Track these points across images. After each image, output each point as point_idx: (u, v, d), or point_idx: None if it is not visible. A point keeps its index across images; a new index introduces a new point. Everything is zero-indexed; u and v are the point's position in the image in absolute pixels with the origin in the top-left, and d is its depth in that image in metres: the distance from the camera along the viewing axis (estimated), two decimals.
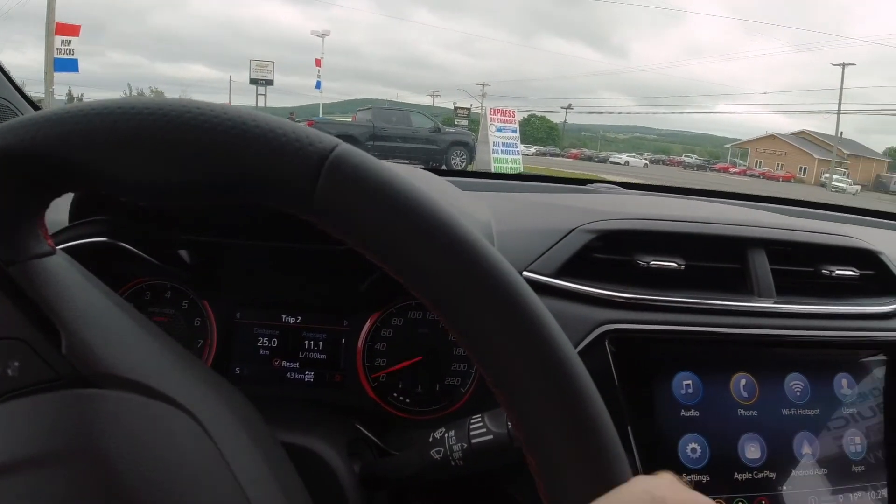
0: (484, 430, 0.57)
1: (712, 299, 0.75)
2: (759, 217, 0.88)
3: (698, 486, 0.69)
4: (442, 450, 0.58)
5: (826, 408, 0.74)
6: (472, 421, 0.59)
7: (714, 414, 0.72)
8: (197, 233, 0.73)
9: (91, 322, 0.36)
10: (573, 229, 0.76)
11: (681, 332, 0.72)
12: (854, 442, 0.74)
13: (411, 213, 0.32)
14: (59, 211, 0.65)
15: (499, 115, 14.61)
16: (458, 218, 0.34)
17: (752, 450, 0.71)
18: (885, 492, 0.74)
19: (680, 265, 0.75)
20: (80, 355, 0.35)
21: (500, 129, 14.27)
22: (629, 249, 0.77)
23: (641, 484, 0.29)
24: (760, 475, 0.71)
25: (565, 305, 0.71)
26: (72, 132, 0.31)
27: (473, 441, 0.57)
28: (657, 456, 0.69)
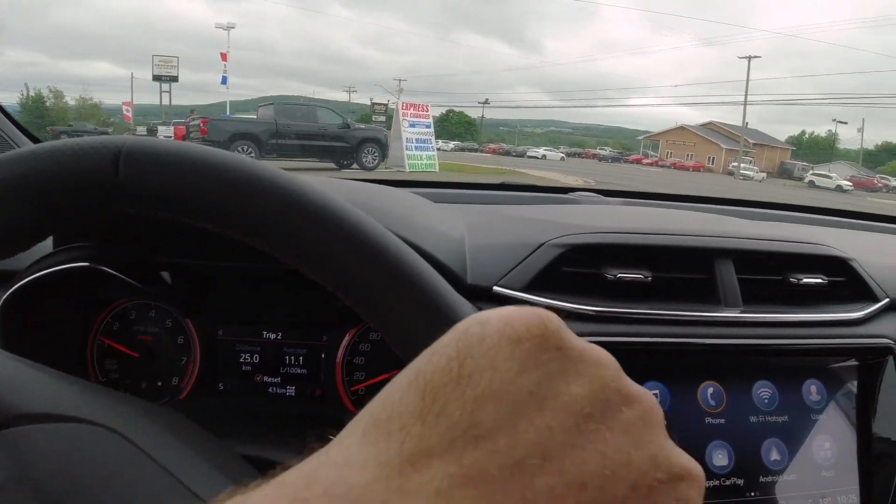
0: None
1: (679, 310, 0.76)
2: (727, 226, 0.89)
3: None
4: None
5: (795, 414, 0.75)
6: None
7: (681, 422, 0.73)
8: (177, 256, 0.76)
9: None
10: (542, 244, 0.77)
11: (647, 343, 0.73)
12: (824, 448, 0.75)
13: (211, 169, 0.39)
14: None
15: (411, 109, 14.42)
16: (251, 161, 0.41)
17: (719, 457, 0.72)
18: (855, 497, 0.75)
19: (647, 277, 0.76)
20: None
21: (412, 125, 14.11)
22: (598, 262, 0.78)
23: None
24: (728, 482, 0.72)
25: None
26: None
27: None
28: None
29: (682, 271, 0.80)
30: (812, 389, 0.77)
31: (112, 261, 0.72)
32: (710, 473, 0.71)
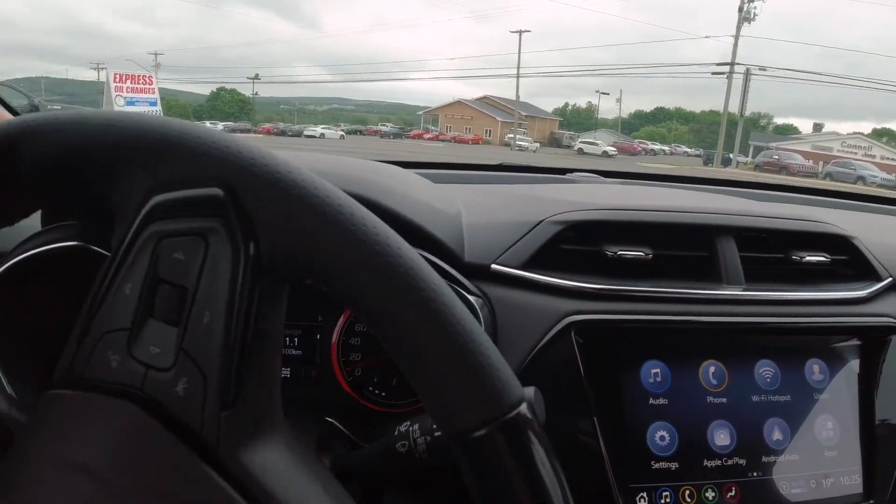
0: None
1: (680, 288, 0.75)
2: (728, 204, 0.88)
3: (667, 474, 0.70)
4: (406, 443, 0.58)
5: (797, 394, 0.75)
6: None
7: (683, 401, 0.72)
8: None
9: None
10: (540, 221, 0.76)
11: (648, 321, 0.73)
12: (826, 427, 0.76)
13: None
14: (31, 217, 0.60)
15: (128, 83, 11.88)
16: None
17: (721, 436, 0.72)
18: (858, 477, 0.76)
19: (648, 255, 0.76)
20: None
21: (131, 103, 11.63)
22: (597, 240, 0.77)
23: None
24: (730, 462, 0.72)
25: (533, 297, 0.73)
26: None
27: (437, 433, 0.57)
28: (625, 444, 0.70)
29: (684, 249, 0.80)
30: (815, 369, 0.77)
31: (104, 240, 0.67)
32: (711, 453, 0.71)
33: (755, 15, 28.25)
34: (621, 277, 0.75)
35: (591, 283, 0.73)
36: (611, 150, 31.32)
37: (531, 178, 1.22)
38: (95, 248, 0.68)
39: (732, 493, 0.71)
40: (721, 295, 0.76)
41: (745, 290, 0.77)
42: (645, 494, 0.70)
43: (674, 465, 0.71)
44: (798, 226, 0.85)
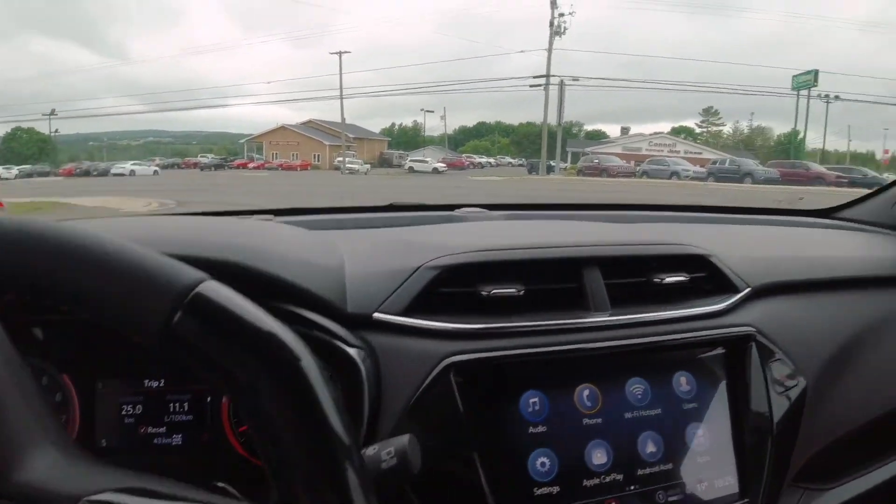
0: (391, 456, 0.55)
1: (551, 320, 0.80)
2: (594, 235, 0.94)
3: (548, 499, 0.74)
4: None
5: (667, 406, 0.80)
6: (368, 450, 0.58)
7: (560, 426, 0.76)
8: (46, 312, 0.73)
9: None
10: (418, 267, 0.79)
11: (522, 354, 0.77)
12: (697, 435, 0.81)
13: None
14: None
15: None
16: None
17: (598, 455, 0.76)
18: (732, 478, 0.81)
19: (519, 291, 0.80)
20: None
21: None
22: (472, 281, 0.81)
23: None
24: (608, 479, 0.76)
25: (414, 342, 0.75)
26: None
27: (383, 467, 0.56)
28: (506, 475, 0.73)
29: (553, 282, 0.84)
30: (682, 381, 0.82)
31: None
32: (590, 472, 0.75)
33: (565, 29, 30.00)
34: (496, 315, 0.79)
35: (467, 323, 0.77)
36: (440, 166, 31.68)
37: (421, 218, 1.24)
38: None
39: None
40: (589, 322, 0.81)
41: (611, 315, 0.82)
42: None
43: (555, 490, 0.74)
44: (658, 250, 0.91)
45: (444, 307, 0.78)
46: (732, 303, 0.90)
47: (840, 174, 21.29)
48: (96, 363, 0.78)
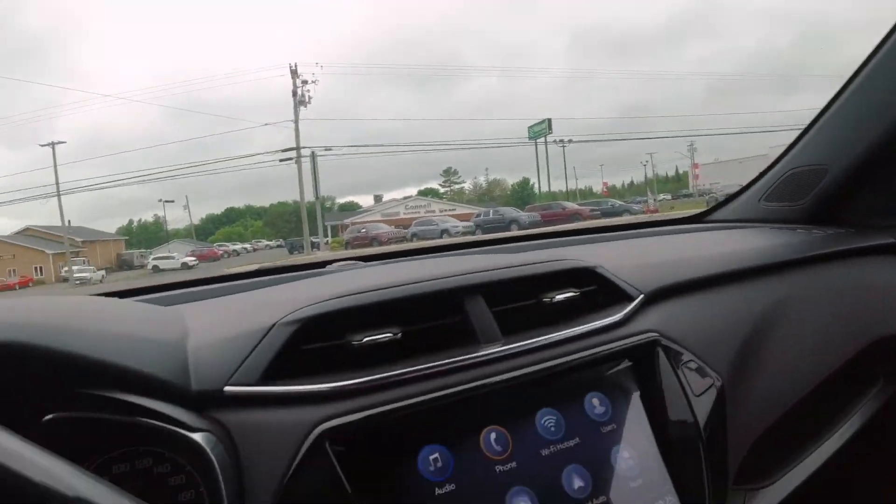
0: None
1: (436, 360, 0.70)
2: (475, 263, 0.86)
3: None
4: None
5: (585, 434, 0.72)
6: None
7: (471, 482, 0.65)
8: None
9: None
10: (272, 326, 0.69)
11: (409, 406, 0.66)
12: (624, 457, 0.72)
13: None
14: None
15: None
16: None
17: None
18: (672, 496, 0.73)
19: (396, 334, 0.71)
20: None
21: None
22: (340, 332, 0.71)
23: None
24: None
25: (277, 413, 0.63)
26: None
27: None
28: None
29: (433, 319, 0.76)
30: (595, 402, 0.74)
31: None
32: None
33: (310, 98, 30.20)
34: (373, 366, 0.68)
35: (338, 381, 0.66)
36: (190, 259, 30.17)
37: (289, 278, 1.12)
38: None
39: None
40: (479, 356, 0.72)
41: (503, 345, 0.74)
42: None
43: None
44: (542, 268, 0.84)
45: (311, 367, 0.67)
46: (629, 312, 0.84)
47: (592, 207, 23.73)
48: None
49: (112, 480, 0.57)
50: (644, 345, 0.81)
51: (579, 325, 0.79)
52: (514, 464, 0.67)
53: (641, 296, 0.88)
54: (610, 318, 0.82)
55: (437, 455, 0.65)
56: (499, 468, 0.66)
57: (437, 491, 0.63)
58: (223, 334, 0.70)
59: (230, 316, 0.79)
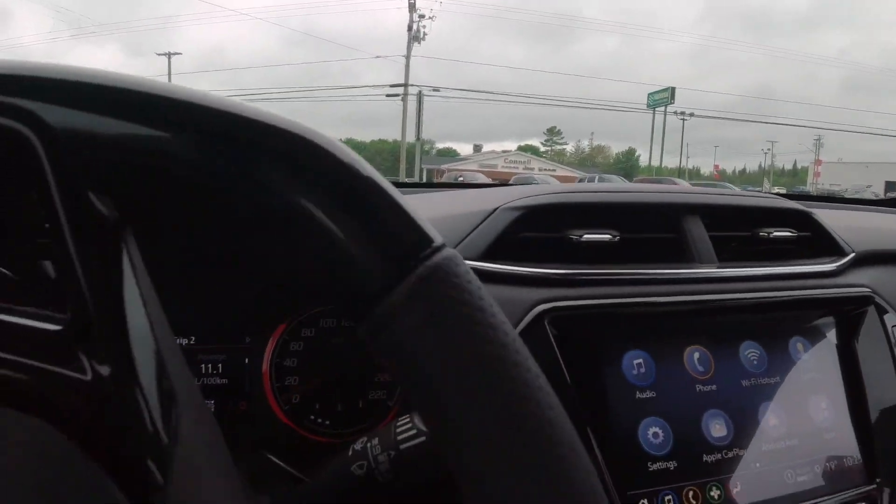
0: (414, 431, 0.48)
1: (653, 269, 0.70)
2: (688, 189, 0.84)
3: (666, 475, 0.63)
4: (365, 463, 0.47)
5: (786, 375, 0.70)
6: (399, 423, 0.49)
7: (671, 393, 0.66)
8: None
9: None
10: (496, 208, 0.70)
11: (623, 304, 0.66)
12: (820, 408, 0.71)
13: None
14: None
15: None
16: None
17: (717, 427, 0.65)
18: (858, 458, 0.71)
19: (614, 237, 0.71)
20: None
21: None
22: (560, 225, 0.72)
23: None
24: (730, 454, 0.65)
25: (496, 289, 0.65)
26: None
27: (402, 447, 0.47)
28: (617, 446, 0.62)
29: (651, 230, 0.75)
30: (799, 347, 0.73)
31: None
32: (710, 446, 0.64)
33: (424, 35, 29.74)
34: (589, 262, 0.69)
35: (558, 269, 0.67)
36: None
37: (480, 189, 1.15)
38: None
39: (738, 489, 0.64)
40: (696, 274, 0.71)
41: (718, 268, 0.73)
42: (646, 501, 0.61)
43: (672, 465, 0.63)
44: (761, 202, 0.83)
45: (527, 253, 0.68)
46: (842, 264, 0.81)
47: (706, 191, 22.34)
48: None
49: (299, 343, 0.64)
50: (855, 298, 0.78)
51: (793, 266, 0.77)
52: (714, 386, 0.67)
53: (853, 254, 0.84)
54: (825, 266, 0.79)
55: (640, 361, 0.65)
56: (699, 387, 0.66)
57: (638, 395, 0.64)
58: (446, 212, 0.72)
59: (448, 202, 0.81)
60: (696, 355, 0.67)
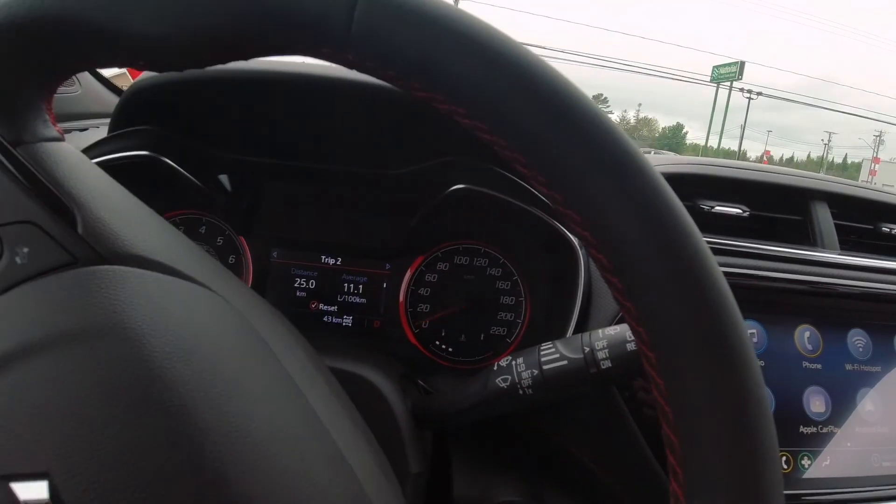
0: (557, 355, 0.53)
1: (777, 247, 0.73)
2: (818, 176, 0.86)
3: None
4: (509, 377, 0.53)
5: (887, 366, 0.73)
6: (543, 347, 0.54)
7: (780, 365, 0.69)
8: (242, 151, 0.70)
9: (108, 204, 0.30)
10: None
11: (743, 275, 0.69)
12: None
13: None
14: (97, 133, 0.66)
15: None
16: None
17: (816, 404, 0.69)
18: None
19: (744, 212, 0.74)
20: (99, 234, 0.29)
21: None
22: (691, 195, 0.74)
23: None
24: (825, 430, 0.69)
25: None
26: None
27: (546, 367, 0.52)
28: None
29: (778, 210, 0.78)
30: None
31: (173, 152, 0.65)
32: (808, 420, 0.68)
33: None
34: (717, 233, 0.72)
35: None
36: None
37: None
38: (165, 160, 0.64)
39: (827, 463, 0.68)
40: (818, 257, 0.73)
41: (839, 254, 0.75)
42: None
43: None
44: (887, 198, 0.84)
45: None
46: None
47: None
48: (274, 231, 0.75)
49: None
50: None
51: None
52: (819, 365, 0.70)
53: None
54: None
55: (755, 330, 0.68)
56: (805, 364, 0.69)
57: None
58: None
59: None
60: (807, 334, 0.70)
